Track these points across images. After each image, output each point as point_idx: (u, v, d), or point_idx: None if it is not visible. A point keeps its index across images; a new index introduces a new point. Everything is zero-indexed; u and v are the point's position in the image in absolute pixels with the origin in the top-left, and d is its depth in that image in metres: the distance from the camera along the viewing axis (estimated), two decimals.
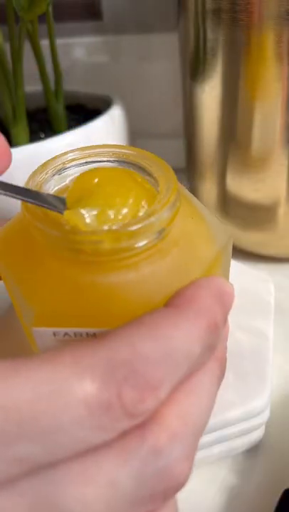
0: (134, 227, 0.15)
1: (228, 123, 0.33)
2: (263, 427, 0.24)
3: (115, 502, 0.13)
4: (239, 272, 0.29)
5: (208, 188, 0.38)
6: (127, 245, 0.15)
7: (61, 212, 0.16)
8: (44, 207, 0.16)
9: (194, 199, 0.19)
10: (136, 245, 0.16)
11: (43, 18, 0.33)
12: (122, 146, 0.19)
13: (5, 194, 0.16)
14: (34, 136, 0.36)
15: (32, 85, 0.37)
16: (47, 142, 0.32)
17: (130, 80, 0.49)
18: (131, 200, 0.17)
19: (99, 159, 0.19)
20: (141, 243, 0.16)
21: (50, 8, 0.33)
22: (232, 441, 0.23)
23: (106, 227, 0.16)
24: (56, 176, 0.18)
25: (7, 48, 0.33)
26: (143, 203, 0.17)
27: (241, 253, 0.38)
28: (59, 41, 0.36)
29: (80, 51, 0.49)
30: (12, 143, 0.35)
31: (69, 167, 0.19)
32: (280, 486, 0.23)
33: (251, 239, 0.37)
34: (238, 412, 0.21)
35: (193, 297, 0.15)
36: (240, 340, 0.24)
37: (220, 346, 0.16)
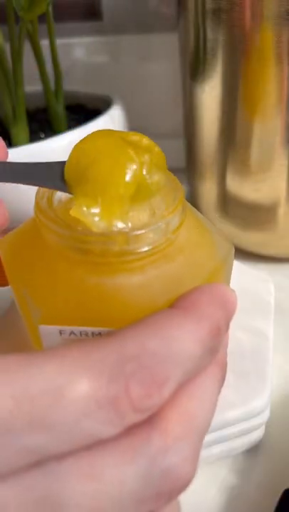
0: (142, 231, 0.16)
1: (228, 123, 0.33)
2: (263, 427, 0.24)
3: (120, 499, 0.13)
4: (239, 271, 0.29)
5: (208, 188, 0.38)
6: (134, 248, 0.16)
7: (64, 190, 0.17)
8: (46, 186, 0.17)
9: (198, 212, 0.20)
10: (143, 249, 0.16)
11: (43, 18, 0.33)
12: None
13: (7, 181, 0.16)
14: (34, 136, 0.36)
15: (32, 85, 0.37)
16: (47, 142, 0.32)
17: (130, 80, 0.49)
18: (128, 176, 0.16)
19: None
20: (147, 247, 0.16)
21: (50, 8, 0.33)
22: (232, 441, 0.23)
23: (116, 229, 0.16)
24: None
25: (7, 48, 0.33)
26: (145, 170, 0.17)
27: (241, 253, 0.38)
28: (59, 41, 0.36)
29: (80, 51, 0.49)
30: (12, 143, 0.35)
31: None
32: (280, 486, 0.23)
33: (251, 239, 0.37)
34: (238, 412, 0.21)
35: (197, 301, 0.15)
36: (241, 340, 0.24)
37: (221, 351, 0.16)
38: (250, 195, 0.35)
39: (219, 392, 0.16)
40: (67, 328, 0.17)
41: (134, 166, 0.16)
